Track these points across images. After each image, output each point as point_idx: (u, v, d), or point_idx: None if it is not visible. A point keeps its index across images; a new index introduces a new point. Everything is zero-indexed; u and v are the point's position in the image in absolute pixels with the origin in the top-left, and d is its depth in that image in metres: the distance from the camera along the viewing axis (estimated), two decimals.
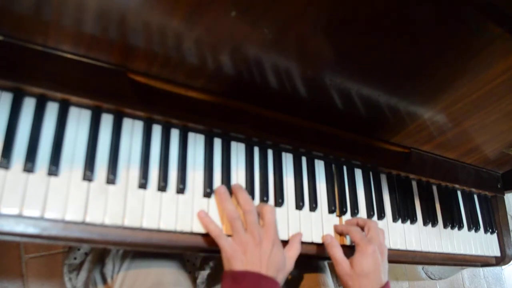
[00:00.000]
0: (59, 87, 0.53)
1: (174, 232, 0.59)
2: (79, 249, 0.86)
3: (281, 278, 0.61)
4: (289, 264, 0.63)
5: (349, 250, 0.72)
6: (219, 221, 0.62)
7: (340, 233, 0.75)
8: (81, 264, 0.83)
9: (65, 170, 0.53)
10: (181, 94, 0.62)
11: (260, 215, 0.63)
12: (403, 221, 0.87)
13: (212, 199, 0.64)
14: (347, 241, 0.74)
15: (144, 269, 0.67)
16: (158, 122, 0.62)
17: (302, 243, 0.71)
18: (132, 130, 0.60)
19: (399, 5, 0.52)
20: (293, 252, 0.64)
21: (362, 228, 0.74)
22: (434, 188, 0.98)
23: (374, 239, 0.70)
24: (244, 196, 0.63)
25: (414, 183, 0.94)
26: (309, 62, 0.61)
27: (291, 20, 0.52)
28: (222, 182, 0.65)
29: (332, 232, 0.74)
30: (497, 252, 1.05)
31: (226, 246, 0.59)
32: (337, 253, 0.68)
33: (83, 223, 0.52)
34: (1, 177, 0.49)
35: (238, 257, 0.58)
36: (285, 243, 0.68)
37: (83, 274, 0.82)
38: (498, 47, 0.59)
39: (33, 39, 0.52)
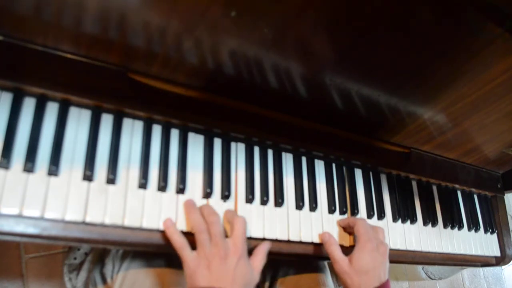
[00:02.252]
0: (59, 87, 0.53)
1: None
2: (79, 249, 0.86)
3: None
4: (256, 276, 0.60)
5: (348, 250, 0.72)
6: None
7: (347, 226, 0.74)
8: (81, 264, 0.83)
9: (65, 170, 0.53)
10: (181, 94, 0.62)
11: (231, 225, 0.61)
12: (403, 221, 0.87)
13: (212, 199, 0.64)
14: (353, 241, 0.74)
15: (144, 269, 0.67)
16: (158, 122, 0.62)
17: (302, 243, 0.71)
18: (132, 130, 0.60)
19: (399, 5, 0.52)
20: (258, 262, 0.61)
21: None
22: (434, 188, 0.98)
23: (371, 236, 0.69)
24: (207, 208, 0.61)
25: (414, 183, 0.94)
26: (309, 62, 0.61)
27: (291, 20, 0.52)
28: (222, 182, 0.65)
29: (333, 232, 0.74)
30: (497, 252, 1.05)
31: (189, 259, 0.55)
32: (335, 251, 0.68)
33: (83, 223, 0.53)
34: (1, 177, 0.49)
35: (201, 273, 0.54)
36: (285, 243, 0.69)
37: (83, 274, 0.82)
38: (498, 47, 0.59)
39: (33, 39, 0.52)
